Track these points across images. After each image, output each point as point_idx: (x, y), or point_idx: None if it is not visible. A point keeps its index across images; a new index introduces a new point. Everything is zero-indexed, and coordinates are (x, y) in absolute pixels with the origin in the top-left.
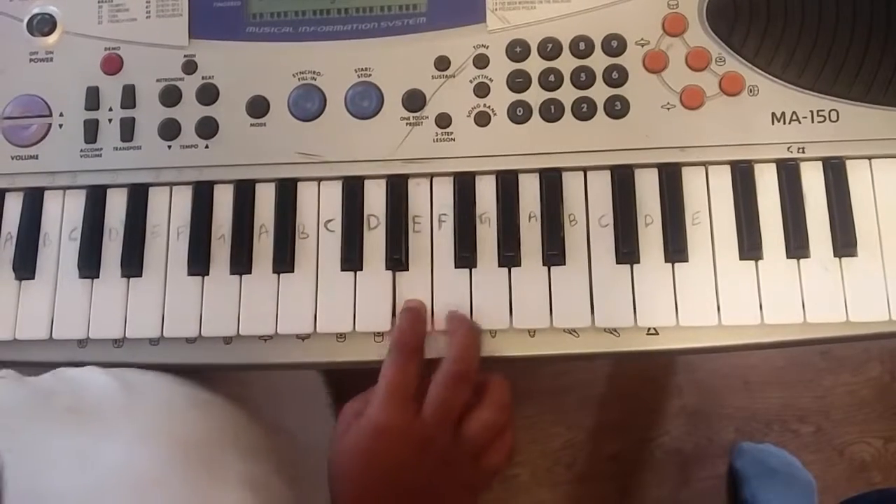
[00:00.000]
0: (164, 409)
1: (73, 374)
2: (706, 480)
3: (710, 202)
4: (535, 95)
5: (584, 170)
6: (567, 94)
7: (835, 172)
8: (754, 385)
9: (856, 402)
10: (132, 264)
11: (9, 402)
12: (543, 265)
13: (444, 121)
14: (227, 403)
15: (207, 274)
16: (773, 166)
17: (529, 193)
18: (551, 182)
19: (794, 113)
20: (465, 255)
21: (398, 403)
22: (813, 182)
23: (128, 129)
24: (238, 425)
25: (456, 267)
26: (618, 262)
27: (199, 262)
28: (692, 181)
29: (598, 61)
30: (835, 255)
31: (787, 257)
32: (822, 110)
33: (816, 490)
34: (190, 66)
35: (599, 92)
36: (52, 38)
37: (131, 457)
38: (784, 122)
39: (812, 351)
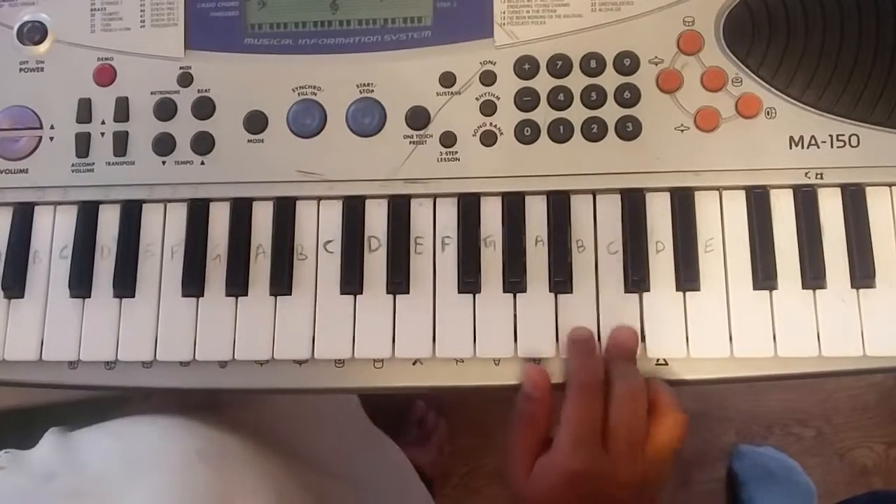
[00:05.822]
0: (167, 476)
1: (73, 443)
2: (705, 483)
3: (723, 229)
4: (543, 115)
5: (594, 193)
6: (577, 113)
7: (854, 200)
8: (755, 388)
9: (858, 406)
10: (125, 284)
11: (7, 496)
12: (550, 292)
13: (448, 140)
14: (244, 454)
15: (202, 295)
16: (790, 192)
17: (536, 217)
18: (559, 205)
19: (812, 137)
20: (470, 281)
21: (589, 446)
22: (831, 209)
23: (121, 144)
24: (256, 478)
25: (459, 292)
26: (627, 291)
27: (193, 284)
28: (705, 206)
29: (610, 80)
30: (852, 286)
31: (803, 288)
32: (842, 135)
33: (816, 495)
34: (185, 79)
35: (610, 112)
36: (42, 47)
37: None
38: (802, 147)
39: None
